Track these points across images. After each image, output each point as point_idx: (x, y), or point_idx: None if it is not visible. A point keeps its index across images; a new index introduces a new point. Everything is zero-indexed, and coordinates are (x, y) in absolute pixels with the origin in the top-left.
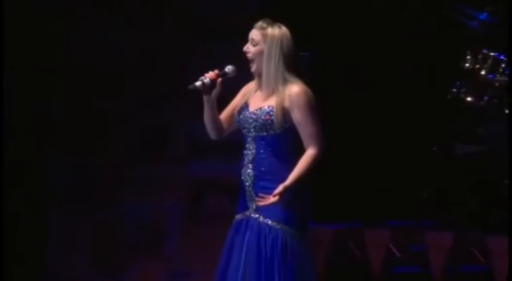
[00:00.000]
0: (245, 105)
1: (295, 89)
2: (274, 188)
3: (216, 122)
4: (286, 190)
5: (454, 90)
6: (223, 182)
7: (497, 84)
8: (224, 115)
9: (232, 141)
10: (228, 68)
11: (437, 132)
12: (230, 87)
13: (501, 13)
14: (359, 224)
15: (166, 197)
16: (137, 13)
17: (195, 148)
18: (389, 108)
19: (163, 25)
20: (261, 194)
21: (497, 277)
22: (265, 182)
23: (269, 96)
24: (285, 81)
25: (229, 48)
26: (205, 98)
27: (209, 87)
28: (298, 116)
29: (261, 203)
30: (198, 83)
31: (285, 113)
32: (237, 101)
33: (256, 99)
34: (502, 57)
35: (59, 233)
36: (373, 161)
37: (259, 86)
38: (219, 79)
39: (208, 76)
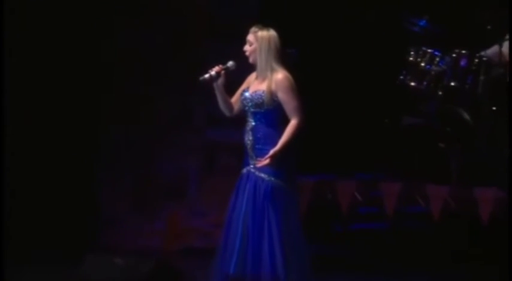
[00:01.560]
0: (246, 89)
1: (279, 76)
2: (268, 149)
3: (226, 103)
4: (276, 153)
5: (401, 77)
6: (231, 145)
7: (433, 73)
8: (234, 98)
9: (237, 115)
10: (230, 63)
11: (389, 108)
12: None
13: (435, 21)
14: (333, 176)
15: (189, 156)
16: (163, 16)
17: (210, 120)
18: (355, 91)
19: (187, 28)
20: (259, 158)
21: (433, 216)
22: (260, 145)
23: (263, 82)
24: (272, 70)
25: (234, 47)
26: (214, 86)
27: (215, 78)
28: (282, 96)
29: (259, 165)
30: (206, 76)
31: (273, 94)
32: (242, 87)
33: (255, 85)
34: (436, 52)
35: (109, 184)
36: (343, 130)
37: (256, 76)
38: (223, 71)
39: (214, 70)
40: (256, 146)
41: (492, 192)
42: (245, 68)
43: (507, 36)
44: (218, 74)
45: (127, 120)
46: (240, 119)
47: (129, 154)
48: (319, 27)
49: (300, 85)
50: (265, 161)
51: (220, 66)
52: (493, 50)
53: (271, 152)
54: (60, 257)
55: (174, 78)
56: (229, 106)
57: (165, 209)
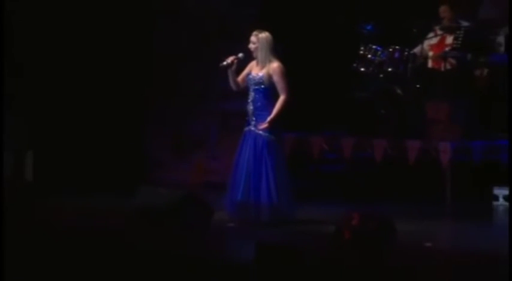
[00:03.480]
0: (250, 72)
1: (274, 64)
2: (264, 114)
3: (235, 82)
4: (272, 120)
5: (355, 65)
6: (238, 112)
7: (376, 62)
8: (240, 78)
9: (242, 91)
10: (240, 55)
11: (347, 86)
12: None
13: (378, 26)
14: (307, 133)
15: (209, 119)
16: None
17: (224, 94)
18: (325, 74)
19: (207, 30)
20: (258, 121)
21: (376, 160)
22: (258, 111)
23: (262, 68)
24: (269, 61)
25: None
26: (228, 71)
27: (230, 65)
28: (275, 79)
29: (260, 127)
30: (224, 63)
31: (270, 77)
32: (246, 70)
33: (255, 69)
34: (378, 48)
35: (156, 138)
36: (316, 100)
37: (257, 63)
38: (235, 61)
39: (230, 59)
40: (256, 112)
41: (417, 142)
42: (248, 59)
43: (428, 36)
44: (232, 62)
45: (168, 94)
46: (243, 94)
47: (169, 117)
48: (302, 28)
49: (285, 70)
50: (264, 125)
51: (234, 56)
52: (418, 47)
53: (268, 119)
54: (120, 189)
55: (199, 65)
56: (237, 84)
57: (193, 156)
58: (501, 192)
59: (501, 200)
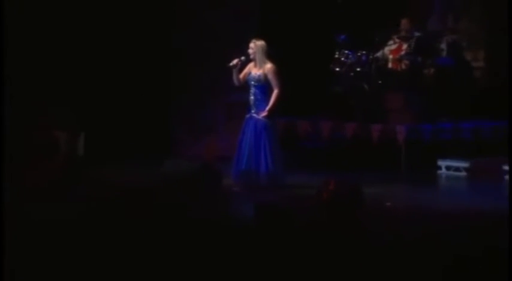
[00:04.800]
0: (249, 72)
1: (268, 66)
2: (262, 105)
3: (238, 79)
4: (269, 109)
5: (331, 66)
6: (239, 102)
7: (348, 63)
8: (241, 76)
9: (242, 86)
10: (243, 58)
11: (325, 82)
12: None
13: (350, 37)
14: (295, 118)
15: (219, 108)
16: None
17: (230, 88)
18: (311, 73)
19: (220, 35)
20: (258, 110)
21: (348, 139)
22: (258, 102)
23: (260, 69)
24: (264, 62)
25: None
26: (233, 70)
27: (235, 66)
28: (269, 77)
29: (261, 115)
30: (230, 64)
31: (265, 75)
32: (246, 70)
33: (254, 70)
34: (349, 53)
35: (178, 122)
36: (302, 93)
37: (255, 64)
38: (239, 62)
39: (234, 61)
40: (256, 103)
41: (379, 126)
42: (247, 61)
43: (388, 43)
44: (237, 63)
45: (187, 88)
46: (243, 88)
47: (187, 106)
48: (292, 37)
49: (278, 69)
50: (264, 113)
51: (238, 59)
52: (380, 52)
53: (267, 108)
54: (150, 161)
55: (210, 65)
56: (239, 80)
57: (206, 136)
58: (443, 163)
59: (443, 169)
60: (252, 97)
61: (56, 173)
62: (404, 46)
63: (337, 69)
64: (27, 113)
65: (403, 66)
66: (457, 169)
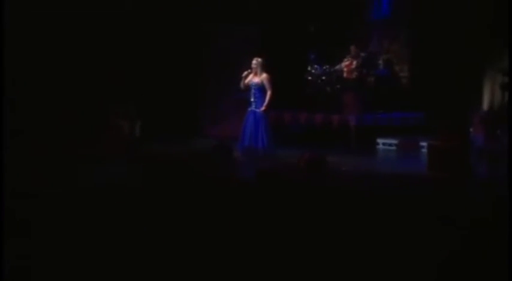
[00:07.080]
0: (251, 79)
1: (264, 75)
2: (260, 102)
3: (244, 84)
4: (265, 106)
5: (305, 76)
6: (245, 100)
7: (317, 74)
8: (246, 81)
9: (246, 88)
10: (250, 70)
11: (301, 87)
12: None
13: (318, 56)
14: (282, 111)
15: (230, 104)
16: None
17: (237, 89)
18: (291, 80)
19: (234, 51)
20: (257, 107)
21: (334, 126)
22: (257, 100)
23: (259, 77)
24: (261, 73)
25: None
26: (243, 77)
27: (246, 75)
28: (265, 83)
29: (260, 109)
30: (244, 73)
31: (262, 82)
32: (249, 78)
33: (254, 78)
34: (318, 67)
35: (202, 113)
36: (288, 92)
37: (255, 74)
38: (248, 73)
39: (245, 72)
40: (255, 101)
41: (337, 116)
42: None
43: (344, 60)
44: (248, 73)
45: (210, 87)
46: (247, 90)
47: (209, 100)
48: (278, 54)
49: (271, 77)
50: (262, 108)
51: (248, 71)
52: (338, 66)
53: (264, 105)
54: (181, 139)
55: (225, 72)
56: (244, 85)
57: (222, 122)
58: (381, 141)
59: (381, 145)
60: (252, 96)
61: (121, 147)
62: (354, 62)
63: (309, 78)
64: (104, 108)
65: (354, 76)
66: (390, 145)
